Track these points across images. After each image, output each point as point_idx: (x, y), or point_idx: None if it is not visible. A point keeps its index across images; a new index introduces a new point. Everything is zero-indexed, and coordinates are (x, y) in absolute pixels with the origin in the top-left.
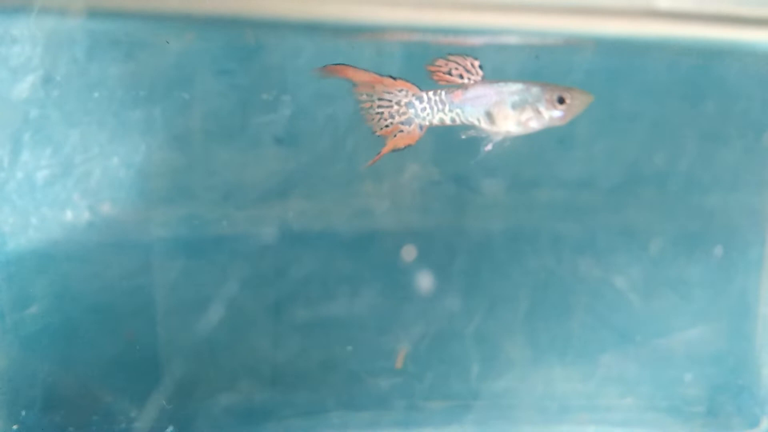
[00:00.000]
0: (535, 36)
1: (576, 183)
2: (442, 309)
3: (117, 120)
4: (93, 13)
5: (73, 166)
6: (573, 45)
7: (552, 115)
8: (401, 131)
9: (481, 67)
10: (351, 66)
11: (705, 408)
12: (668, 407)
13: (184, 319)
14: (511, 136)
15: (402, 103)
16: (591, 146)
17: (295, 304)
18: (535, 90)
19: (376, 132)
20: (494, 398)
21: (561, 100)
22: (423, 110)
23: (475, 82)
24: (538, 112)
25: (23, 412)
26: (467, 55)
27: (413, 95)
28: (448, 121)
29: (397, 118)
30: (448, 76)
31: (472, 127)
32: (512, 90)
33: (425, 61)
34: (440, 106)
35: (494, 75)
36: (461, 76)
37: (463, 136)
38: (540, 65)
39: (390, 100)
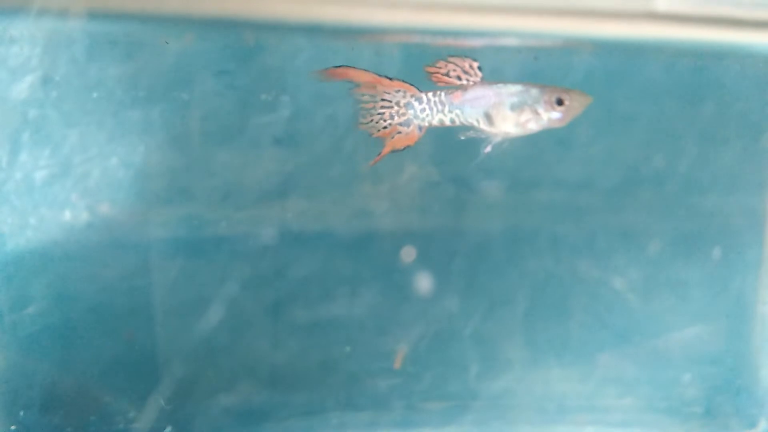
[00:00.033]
0: (534, 38)
1: (575, 184)
2: (441, 310)
3: (116, 120)
4: (92, 14)
5: (72, 167)
6: (571, 47)
7: (551, 116)
8: (399, 132)
9: (479, 68)
10: (351, 67)
11: (703, 408)
12: (666, 408)
13: (182, 319)
14: (510, 138)
15: (401, 104)
16: (590, 147)
17: (294, 305)
18: (533, 91)
19: (373, 134)
20: (493, 399)
21: (560, 102)
22: (422, 111)
23: (474, 83)
24: (537, 113)
25: (21, 413)
26: (466, 57)
27: (412, 96)
28: (447, 122)
29: (396, 119)
30: (446, 78)
31: (471, 128)
32: (511, 91)
33: (424, 62)
34: (439, 107)
35: (493, 76)
36: (460, 78)
37: (462, 137)
38: (539, 67)
39: (389, 101)
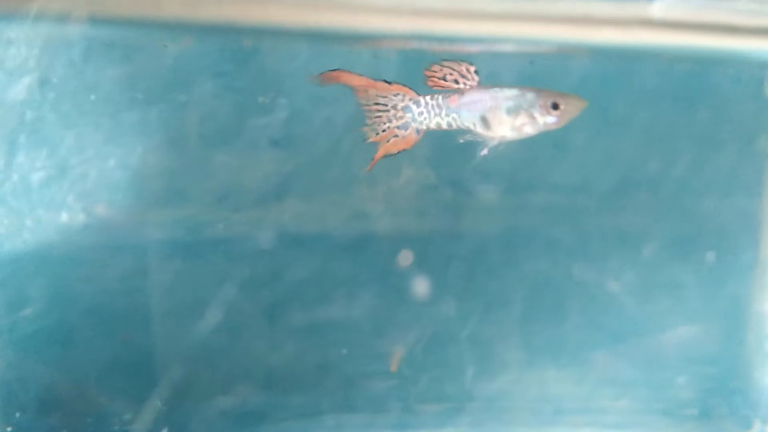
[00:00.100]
0: (530, 44)
1: (571, 187)
2: (438, 312)
3: (113, 122)
4: (91, 19)
5: (69, 168)
6: (568, 53)
7: (546, 120)
8: (397, 135)
9: (476, 72)
10: (347, 71)
11: (698, 410)
12: (662, 409)
13: (180, 321)
14: (506, 141)
15: (399, 108)
16: (586, 151)
17: (291, 307)
18: (529, 96)
19: (370, 137)
20: (489, 401)
21: (555, 106)
22: (420, 114)
23: (471, 87)
24: (533, 117)
25: (18, 414)
26: (462, 61)
27: (410, 99)
28: (444, 126)
29: (394, 123)
30: (443, 82)
31: (468, 131)
32: (507, 95)
33: (422, 67)
34: (437, 111)
35: (490, 80)
36: (457, 82)
37: (460, 141)
38: (535, 71)
39: (386, 105)
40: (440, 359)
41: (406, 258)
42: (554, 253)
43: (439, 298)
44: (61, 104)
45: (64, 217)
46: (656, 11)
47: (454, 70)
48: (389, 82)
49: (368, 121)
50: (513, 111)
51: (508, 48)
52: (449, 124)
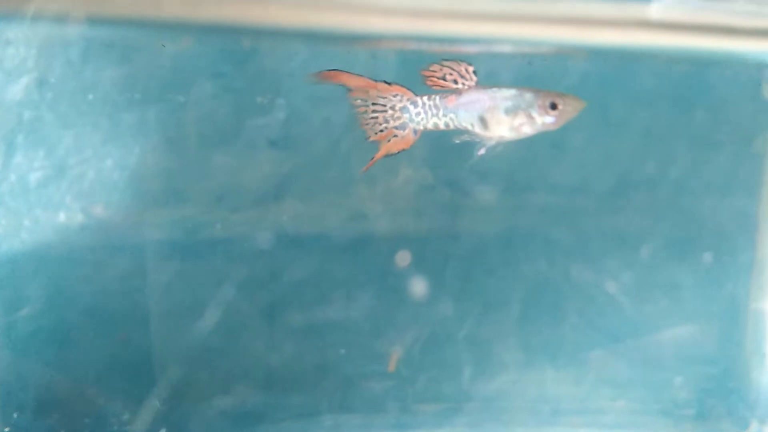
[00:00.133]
0: (529, 45)
1: (569, 188)
2: (436, 312)
3: (111, 122)
4: (89, 19)
5: (67, 169)
6: (566, 53)
7: (544, 120)
8: (395, 136)
9: (474, 72)
10: (345, 71)
11: (695, 411)
12: (659, 410)
13: (178, 321)
14: (504, 141)
15: (396, 108)
16: (584, 152)
17: (289, 307)
18: (528, 96)
19: (370, 137)
20: (486, 401)
21: (553, 106)
22: (417, 115)
23: (469, 87)
24: (531, 117)
25: (15, 415)
26: (461, 61)
27: (408, 100)
28: (442, 126)
29: (391, 123)
30: (442, 81)
31: (465, 131)
32: (505, 95)
33: (419, 67)
34: (434, 111)
35: (488, 80)
36: (455, 82)
37: (457, 141)
38: (533, 71)
39: (384, 105)
40: (438, 359)
41: (404, 258)
42: (552, 254)
43: (436, 298)
44: (59, 104)
45: (62, 217)
46: (654, 12)
47: (453, 70)
48: (387, 83)
49: (362, 122)
50: (511, 111)
51: (507, 49)
52: (447, 125)
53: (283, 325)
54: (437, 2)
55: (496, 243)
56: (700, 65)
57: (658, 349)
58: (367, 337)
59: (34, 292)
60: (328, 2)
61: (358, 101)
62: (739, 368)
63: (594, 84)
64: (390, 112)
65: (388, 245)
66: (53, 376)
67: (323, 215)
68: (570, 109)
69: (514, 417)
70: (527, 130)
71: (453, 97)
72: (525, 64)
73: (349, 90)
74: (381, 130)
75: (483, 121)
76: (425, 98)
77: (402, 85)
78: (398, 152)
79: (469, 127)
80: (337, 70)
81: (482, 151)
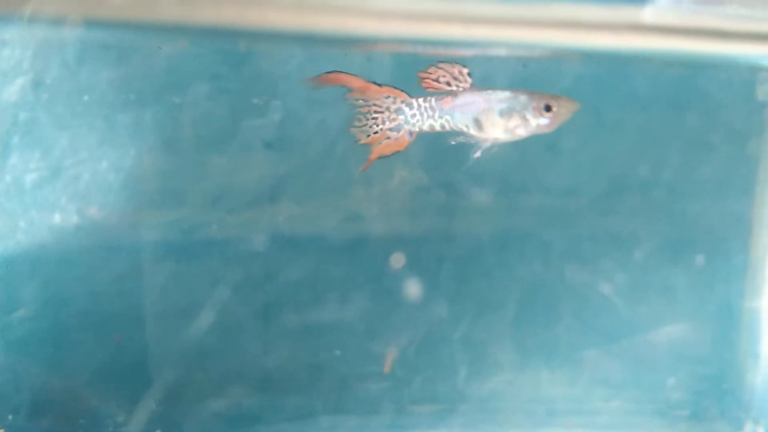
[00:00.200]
0: (523, 48)
1: (563, 190)
2: (431, 314)
3: (107, 123)
4: (85, 21)
5: (62, 170)
6: (560, 57)
7: (539, 122)
8: (388, 138)
9: (469, 74)
10: (342, 73)
11: (690, 411)
12: (654, 411)
13: (173, 323)
14: (499, 143)
15: (392, 110)
16: (578, 154)
17: (284, 309)
18: (522, 98)
19: (361, 140)
20: (482, 402)
21: (548, 108)
22: (413, 116)
23: (464, 89)
24: (525, 119)
25: (10, 417)
26: (455, 63)
27: (403, 102)
28: (437, 128)
29: (387, 124)
30: (436, 83)
31: (460, 133)
32: (500, 98)
33: (415, 70)
34: (430, 113)
35: (483, 83)
36: (449, 84)
37: (453, 142)
38: (528, 74)
39: (380, 107)
40: (433, 360)
41: (399, 260)
42: (547, 255)
43: (432, 299)
44: (54, 106)
45: (58, 218)
46: (647, 16)
47: (447, 72)
48: (381, 85)
49: (360, 123)
50: (506, 113)
51: (502, 52)
52: (442, 126)
53: (278, 326)
54: (432, 5)
55: (491, 244)
56: (694, 68)
57: (652, 350)
58: (362, 338)
59: (29, 294)
60: (323, 5)
61: (360, 101)
62: (734, 369)
63: (588, 87)
64: (386, 113)
65: (383, 246)
66: (48, 377)
67: (319, 217)
68: (564, 111)
69: (509, 418)
70: (522, 132)
71: (448, 99)
72: (520, 66)
73: (348, 91)
74: (376, 132)
75: (478, 123)
76: (420, 100)
77: (394, 87)
78: (391, 154)
79: (464, 129)
80: (334, 71)
81: (478, 154)
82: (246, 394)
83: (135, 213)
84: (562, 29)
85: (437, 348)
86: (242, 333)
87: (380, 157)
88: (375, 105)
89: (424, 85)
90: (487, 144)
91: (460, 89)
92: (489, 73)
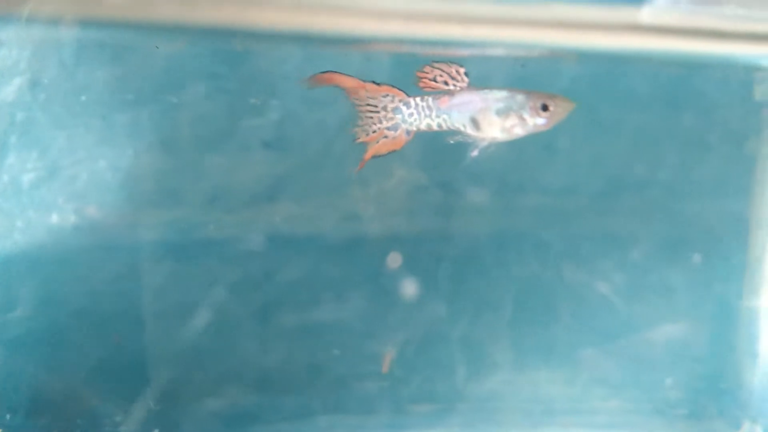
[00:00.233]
0: (521, 48)
1: (560, 189)
2: (429, 313)
3: (104, 123)
4: (82, 21)
5: (60, 170)
6: (558, 56)
7: (536, 122)
8: (386, 137)
9: (466, 74)
10: (338, 73)
11: (688, 410)
12: (652, 410)
13: (170, 322)
14: (496, 142)
15: (389, 109)
16: (575, 154)
17: (282, 308)
18: (519, 97)
19: (359, 138)
20: (480, 401)
21: (545, 108)
22: (410, 116)
23: (461, 89)
24: (522, 119)
25: (8, 416)
26: (453, 63)
27: (400, 101)
28: (435, 127)
29: (384, 123)
30: (434, 83)
31: (458, 132)
32: (497, 97)
33: (413, 69)
34: (427, 112)
35: (480, 83)
36: (447, 83)
37: (450, 142)
38: (525, 74)
39: (377, 106)
40: (431, 360)
41: (397, 259)
42: (544, 255)
43: (429, 299)
44: (52, 106)
45: (55, 218)
46: (645, 16)
47: (444, 71)
48: (376, 83)
49: (360, 122)
50: (503, 112)
51: (499, 51)
52: (439, 126)
53: (276, 325)
54: (430, 5)
55: (488, 244)
56: (691, 68)
57: (650, 350)
58: (360, 338)
59: (26, 293)
60: (322, 5)
61: (355, 101)
62: (731, 368)
63: (585, 87)
64: (383, 113)
65: (381, 246)
66: (46, 376)
67: (316, 216)
68: (561, 110)
69: (507, 417)
70: (519, 131)
71: (446, 98)
72: (517, 66)
73: (347, 91)
74: (374, 131)
75: (475, 122)
76: (418, 99)
77: (392, 86)
78: (387, 153)
79: (462, 128)
80: (329, 71)
81: (475, 153)
82: (244, 394)
83: (133, 213)
84: (559, 29)
85: (435, 348)
86: (240, 332)
87: (377, 156)
88: (367, 105)
89: (422, 84)
90: (485, 143)
91: (458, 89)
92: (486, 72)
